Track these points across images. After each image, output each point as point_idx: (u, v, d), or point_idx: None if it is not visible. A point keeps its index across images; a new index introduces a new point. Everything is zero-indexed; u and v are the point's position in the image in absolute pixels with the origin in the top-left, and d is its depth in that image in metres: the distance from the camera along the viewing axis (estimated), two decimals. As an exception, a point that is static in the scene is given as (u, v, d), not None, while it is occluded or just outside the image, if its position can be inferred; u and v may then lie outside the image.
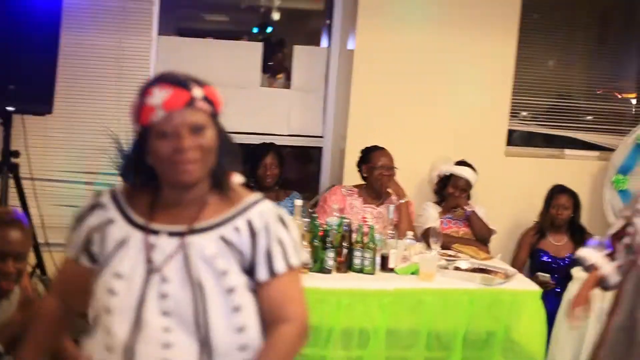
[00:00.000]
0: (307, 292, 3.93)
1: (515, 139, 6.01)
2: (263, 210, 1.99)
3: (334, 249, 4.18)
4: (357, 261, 4.23)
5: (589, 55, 6.22)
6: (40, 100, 4.56)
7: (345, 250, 4.21)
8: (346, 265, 4.22)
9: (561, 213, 5.25)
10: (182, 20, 6.19)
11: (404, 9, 5.53)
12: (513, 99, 5.82)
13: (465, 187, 5.15)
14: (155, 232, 1.96)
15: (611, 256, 3.33)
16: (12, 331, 2.84)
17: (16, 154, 4.64)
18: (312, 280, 4.01)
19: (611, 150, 5.91)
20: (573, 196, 5.29)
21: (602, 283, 3.34)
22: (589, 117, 6.12)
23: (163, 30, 5.55)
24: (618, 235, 3.31)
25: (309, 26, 6.49)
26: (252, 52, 5.75)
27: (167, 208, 1.99)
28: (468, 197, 5.21)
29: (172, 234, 1.96)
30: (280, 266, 1.97)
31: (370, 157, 4.98)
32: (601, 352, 3.21)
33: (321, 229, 4.21)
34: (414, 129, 5.57)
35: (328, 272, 4.16)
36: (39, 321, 2.19)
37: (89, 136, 5.19)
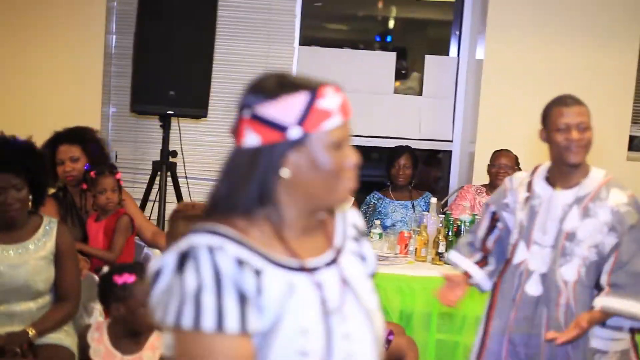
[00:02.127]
0: (441, 281, 4.21)
1: (637, 144, 6.15)
2: (351, 214, 1.81)
3: (467, 243, 4.47)
4: (488, 255, 4.48)
5: None
6: (196, 105, 4.87)
7: (477, 245, 4.48)
8: (478, 258, 4.49)
9: None
10: (309, 30, 6.50)
11: (531, 20, 5.78)
12: (635, 106, 5.99)
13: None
14: (314, 269, 1.63)
15: (484, 260, 3.23)
16: None
17: (174, 153, 4.96)
18: (447, 271, 4.30)
19: None
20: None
21: (476, 288, 3.27)
22: None
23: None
24: (487, 234, 3.22)
25: (437, 35, 6.79)
26: (385, 61, 6.11)
27: (296, 238, 1.63)
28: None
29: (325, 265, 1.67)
30: (374, 266, 1.82)
31: (492, 157, 5.24)
32: None
33: (455, 224, 4.51)
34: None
35: (461, 264, 4.44)
36: None
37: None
